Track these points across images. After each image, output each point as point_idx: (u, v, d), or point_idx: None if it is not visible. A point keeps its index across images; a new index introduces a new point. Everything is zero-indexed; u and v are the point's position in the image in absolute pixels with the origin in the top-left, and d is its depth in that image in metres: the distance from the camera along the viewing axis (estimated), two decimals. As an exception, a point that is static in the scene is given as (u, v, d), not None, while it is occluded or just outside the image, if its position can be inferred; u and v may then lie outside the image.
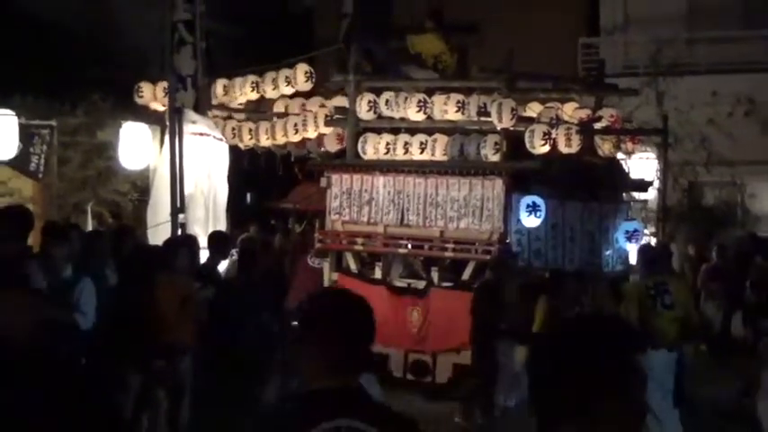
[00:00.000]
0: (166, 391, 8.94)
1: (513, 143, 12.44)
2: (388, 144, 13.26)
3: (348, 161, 13.56)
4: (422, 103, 13.05)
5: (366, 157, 13.41)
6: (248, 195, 18.70)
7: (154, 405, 8.91)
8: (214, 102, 14.42)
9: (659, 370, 9.69)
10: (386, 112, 13.36)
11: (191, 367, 9.12)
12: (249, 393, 8.58)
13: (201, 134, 12.95)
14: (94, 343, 8.26)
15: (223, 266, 11.32)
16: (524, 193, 12.39)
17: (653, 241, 14.56)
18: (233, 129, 14.53)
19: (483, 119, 12.74)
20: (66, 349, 7.50)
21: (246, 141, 14.63)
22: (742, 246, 16.42)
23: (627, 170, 14.39)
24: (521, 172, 12.38)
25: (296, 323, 7.70)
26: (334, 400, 2.97)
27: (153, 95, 14.17)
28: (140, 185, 15.12)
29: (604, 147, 13.38)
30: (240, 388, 8.69)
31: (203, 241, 10.94)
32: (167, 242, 10.36)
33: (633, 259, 13.55)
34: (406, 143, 13.16)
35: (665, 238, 14.58)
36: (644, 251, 10.92)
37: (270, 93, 14.35)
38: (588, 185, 13.23)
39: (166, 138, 12.52)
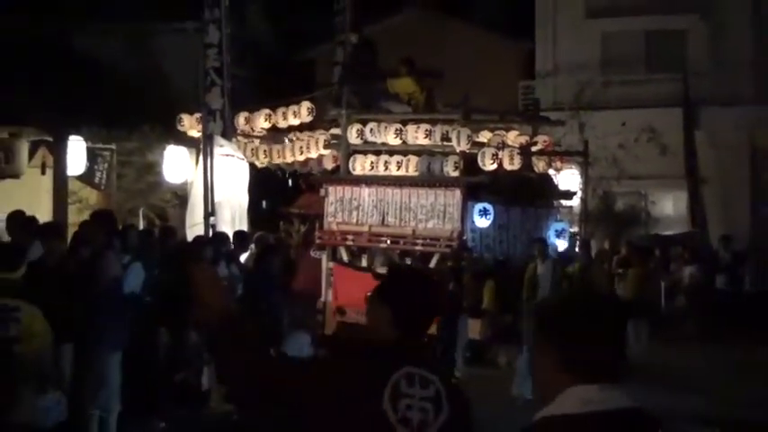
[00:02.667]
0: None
1: (469, 162, 12.48)
2: (372, 163, 13.26)
3: (341, 176, 13.57)
4: (398, 131, 13.06)
5: (355, 173, 13.40)
6: (264, 202, 18.63)
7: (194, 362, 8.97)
8: (237, 130, 14.43)
9: None
10: (370, 138, 13.36)
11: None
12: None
13: (228, 155, 12.97)
14: (142, 312, 8.35)
15: (244, 258, 11.35)
16: (477, 200, 12.45)
17: (576, 238, 14.65)
18: (252, 150, 14.51)
19: (445, 143, 12.76)
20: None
21: (262, 160, 14.62)
22: (647, 242, 16.70)
23: (556, 183, 14.47)
24: (474, 184, 12.43)
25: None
26: (404, 352, 2.86)
27: (191, 125, 14.15)
28: (180, 195, 15.07)
29: (539, 165, 13.45)
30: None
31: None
32: (197, 239, 10.45)
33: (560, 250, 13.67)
34: (386, 162, 13.17)
35: (586, 235, 14.70)
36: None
37: (280, 123, 14.37)
38: (527, 195, 13.31)
39: (201, 158, 12.54)
